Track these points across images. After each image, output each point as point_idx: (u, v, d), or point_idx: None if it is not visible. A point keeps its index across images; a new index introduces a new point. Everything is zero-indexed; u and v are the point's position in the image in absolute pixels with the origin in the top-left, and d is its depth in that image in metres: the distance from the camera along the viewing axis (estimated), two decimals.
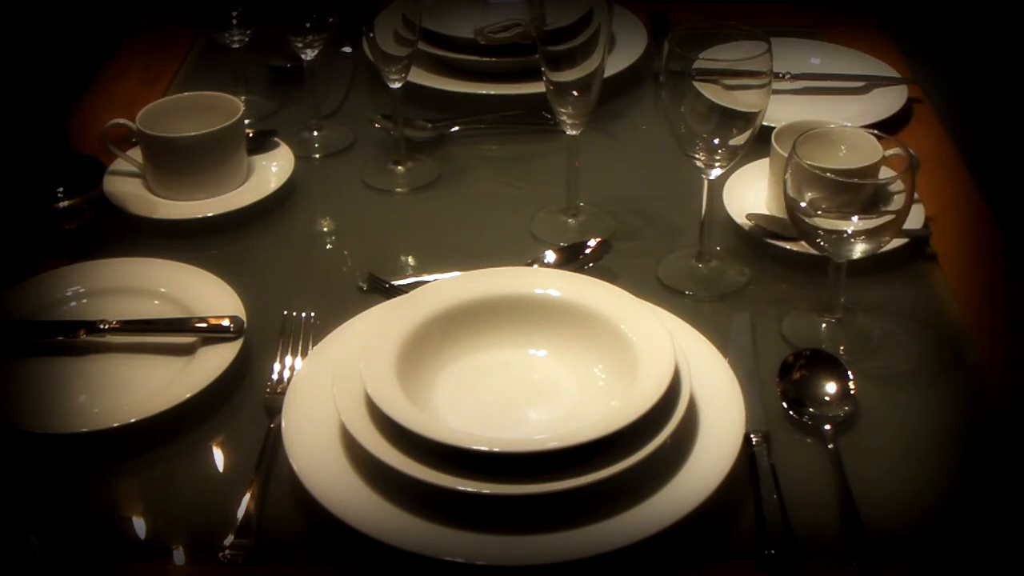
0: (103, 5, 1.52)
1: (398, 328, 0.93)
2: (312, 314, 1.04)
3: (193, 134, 1.19)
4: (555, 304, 0.96)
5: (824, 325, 1.04)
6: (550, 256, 1.11)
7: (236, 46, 1.36)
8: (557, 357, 0.95)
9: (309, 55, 1.30)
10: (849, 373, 0.96)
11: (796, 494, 0.87)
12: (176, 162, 1.21)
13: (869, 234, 0.96)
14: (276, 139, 1.29)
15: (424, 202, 1.25)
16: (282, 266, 1.16)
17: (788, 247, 1.11)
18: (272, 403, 0.95)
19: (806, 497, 0.87)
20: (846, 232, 0.96)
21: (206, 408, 0.96)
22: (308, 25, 1.28)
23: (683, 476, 0.85)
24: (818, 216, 0.97)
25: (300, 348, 1.01)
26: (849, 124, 1.16)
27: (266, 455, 0.91)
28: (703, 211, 1.09)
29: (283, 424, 0.90)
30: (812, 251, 1.03)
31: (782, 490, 0.87)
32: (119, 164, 1.25)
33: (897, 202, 0.95)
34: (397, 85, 1.23)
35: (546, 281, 0.98)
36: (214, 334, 1.01)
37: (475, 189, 1.27)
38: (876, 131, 1.06)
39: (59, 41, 1.35)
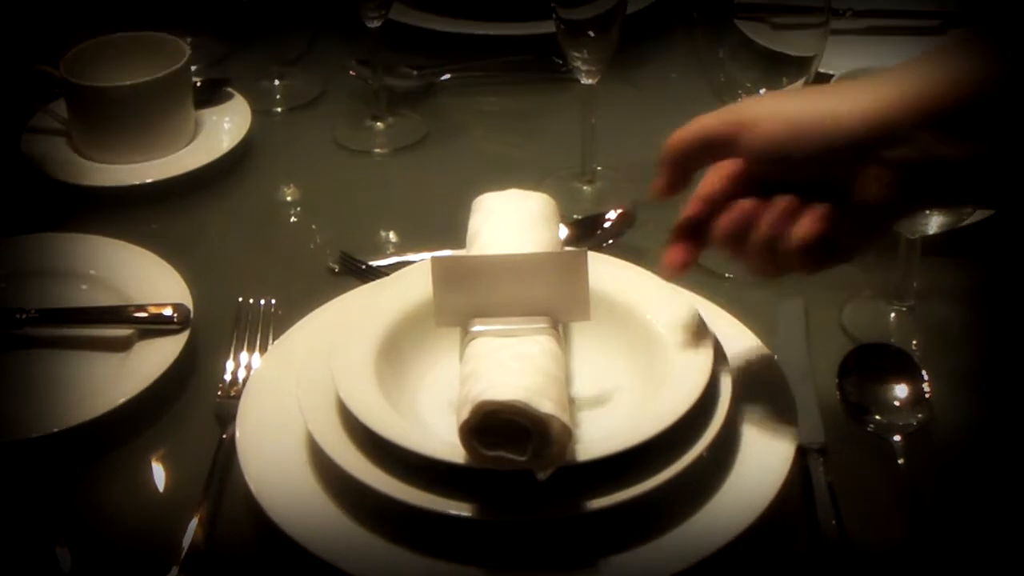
0: None
1: (376, 318, 0.92)
2: (272, 301, 1.04)
3: (129, 83, 1.19)
4: None
5: (893, 315, 1.04)
6: (561, 231, 1.11)
7: None
8: (568, 352, 0.94)
9: None
10: (923, 373, 0.96)
11: (859, 519, 0.87)
12: (108, 117, 1.21)
13: None
14: (229, 89, 1.30)
15: (408, 166, 1.26)
16: (237, 243, 1.16)
17: None
18: (224, 409, 0.95)
19: (871, 522, 0.87)
20: None
21: (144, 415, 0.96)
22: None
23: (722, 498, 0.85)
24: None
25: (258, 342, 1.01)
26: None
27: (217, 472, 0.91)
28: None
29: (237, 434, 0.90)
30: None
31: (842, 514, 0.87)
32: (39, 119, 1.25)
33: None
34: (376, 23, 1.23)
35: None
36: (154, 325, 1.01)
37: (470, 150, 1.28)
38: None
39: None
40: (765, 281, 0.86)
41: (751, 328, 0.97)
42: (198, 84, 1.27)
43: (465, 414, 0.78)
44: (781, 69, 1.02)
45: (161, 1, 1.40)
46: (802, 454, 0.90)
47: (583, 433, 0.86)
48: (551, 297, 0.87)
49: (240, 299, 1.05)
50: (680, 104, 1.30)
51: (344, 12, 1.39)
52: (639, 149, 1.25)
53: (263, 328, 1.02)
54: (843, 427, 0.94)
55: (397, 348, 0.92)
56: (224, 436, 0.93)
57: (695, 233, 0.85)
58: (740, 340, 0.96)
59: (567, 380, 0.85)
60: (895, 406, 0.95)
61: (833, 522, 0.86)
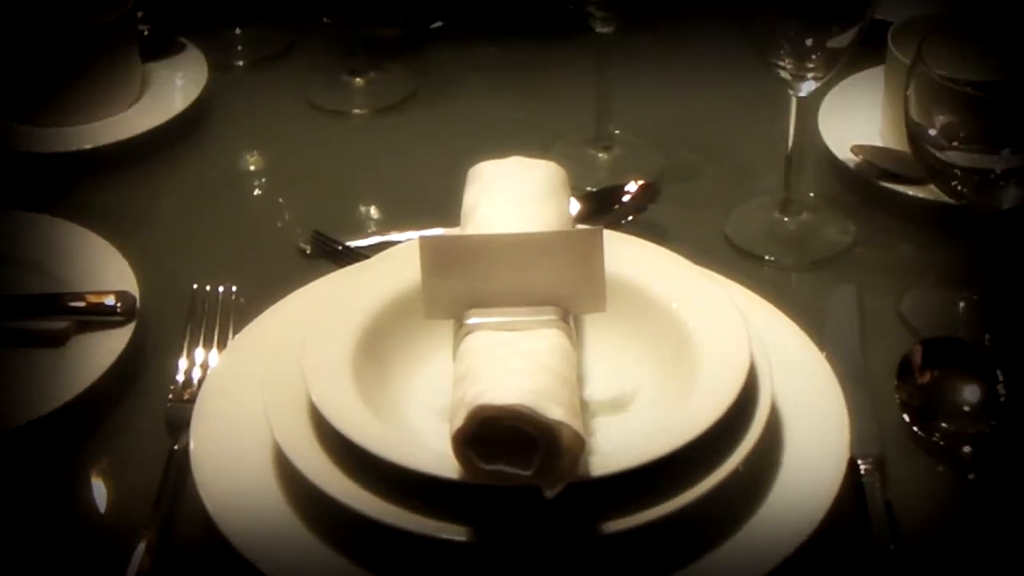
0: None
1: (355, 308, 0.92)
2: (233, 288, 1.05)
3: (65, 31, 1.19)
4: None
5: (962, 304, 1.04)
6: (573, 206, 1.10)
7: None
8: (580, 349, 0.94)
9: None
10: (997, 372, 0.96)
11: (923, 542, 0.87)
12: (41, 71, 1.21)
13: None
14: (182, 39, 1.30)
15: (392, 129, 1.26)
16: (191, 220, 1.17)
17: (910, 193, 1.13)
18: (176, 414, 0.95)
19: (936, 546, 0.87)
20: (993, 172, 0.97)
21: (82, 422, 0.96)
22: None
23: (761, 519, 0.85)
24: (954, 149, 0.97)
25: (216, 336, 1.01)
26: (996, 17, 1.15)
27: (168, 488, 0.90)
28: (790, 142, 1.10)
29: (191, 444, 0.89)
30: (945, 199, 1.03)
31: (902, 537, 0.87)
32: None
33: None
34: None
35: None
36: (94, 316, 1.01)
37: (465, 111, 1.28)
38: None
39: None
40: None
41: (796, 320, 0.97)
42: (146, 33, 1.27)
43: (459, 421, 0.77)
44: (830, 15, 1.02)
45: None
46: (855, 468, 0.90)
47: (598, 443, 0.86)
48: (560, 284, 0.87)
49: (195, 286, 1.05)
50: (710, 57, 1.31)
51: None
52: (663, 109, 1.25)
53: (222, 320, 1.02)
54: (903, 436, 0.94)
55: (379, 343, 0.92)
56: (176, 446, 0.93)
57: None
58: (782, 334, 0.96)
59: (579, 381, 0.85)
60: (964, 411, 0.95)
61: (892, 547, 0.86)
